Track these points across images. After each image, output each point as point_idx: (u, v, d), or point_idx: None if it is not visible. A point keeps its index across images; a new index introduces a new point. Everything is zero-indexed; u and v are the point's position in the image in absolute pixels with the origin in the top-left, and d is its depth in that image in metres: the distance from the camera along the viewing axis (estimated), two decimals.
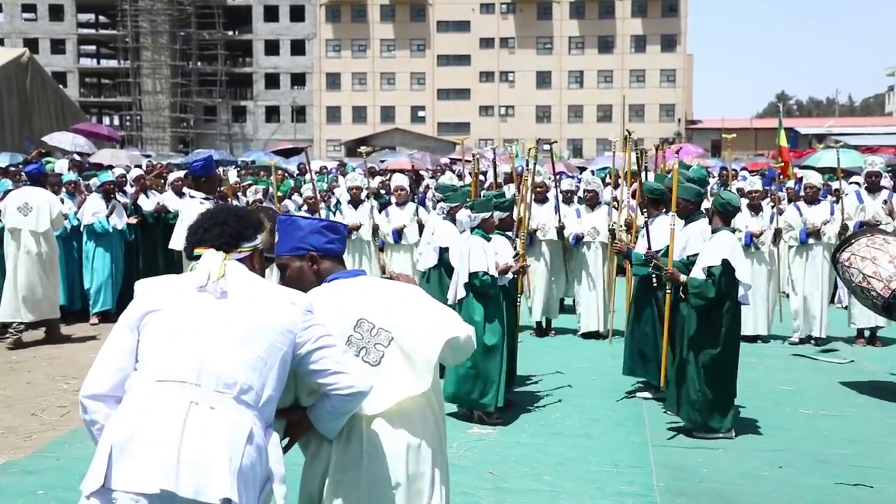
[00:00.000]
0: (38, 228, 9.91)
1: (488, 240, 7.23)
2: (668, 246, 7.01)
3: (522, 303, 10.70)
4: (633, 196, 11.38)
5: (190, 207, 7.89)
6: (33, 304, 9.90)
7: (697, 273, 6.58)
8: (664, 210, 7.89)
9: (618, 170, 11.44)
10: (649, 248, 7.50)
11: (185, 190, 10.20)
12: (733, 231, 6.91)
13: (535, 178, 10.81)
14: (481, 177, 11.40)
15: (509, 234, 7.65)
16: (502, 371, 7.08)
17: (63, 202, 11.10)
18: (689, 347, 6.68)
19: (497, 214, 7.36)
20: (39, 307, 9.96)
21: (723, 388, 6.63)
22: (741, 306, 6.70)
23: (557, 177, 11.39)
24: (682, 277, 6.65)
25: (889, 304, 7.61)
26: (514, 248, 7.56)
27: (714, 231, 6.74)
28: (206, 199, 8.12)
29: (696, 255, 6.81)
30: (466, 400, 7.05)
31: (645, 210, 8.45)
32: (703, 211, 7.61)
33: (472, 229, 7.33)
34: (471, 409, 7.12)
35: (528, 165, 10.27)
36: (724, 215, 6.74)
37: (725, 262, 6.45)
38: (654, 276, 7.12)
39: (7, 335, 10.00)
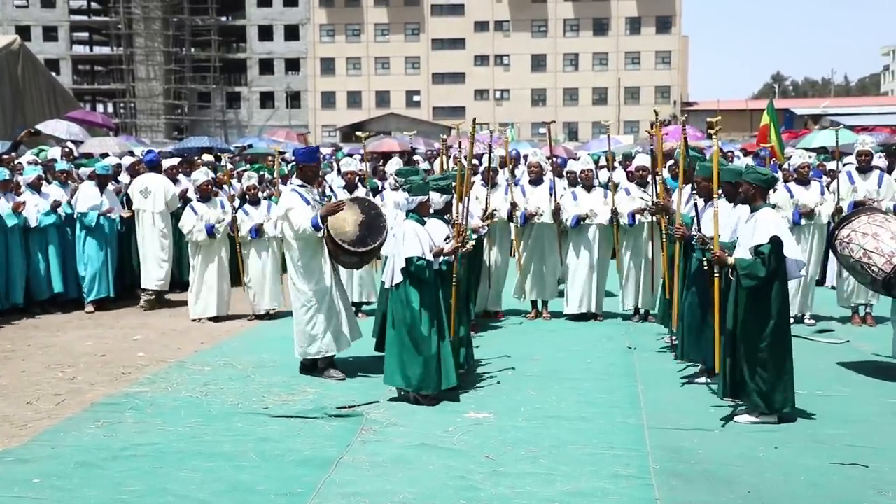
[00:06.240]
0: (155, 209, 11.63)
1: (423, 223, 7.25)
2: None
3: (510, 285, 10.76)
4: (630, 178, 11.37)
5: (285, 192, 8.29)
6: (159, 273, 11.63)
7: (744, 254, 6.53)
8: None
9: (614, 152, 11.42)
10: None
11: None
12: (773, 206, 6.84)
13: (531, 159, 10.86)
14: (475, 161, 11.35)
15: (446, 217, 7.60)
16: (442, 354, 7.12)
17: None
18: (740, 329, 6.63)
19: (437, 197, 7.38)
20: (166, 275, 11.71)
21: (775, 369, 6.54)
22: (787, 284, 6.63)
23: (553, 159, 11.39)
24: (730, 260, 6.60)
25: (890, 279, 7.56)
26: (450, 233, 7.43)
27: (754, 209, 6.62)
28: (301, 185, 8.08)
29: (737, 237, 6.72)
30: (411, 384, 7.12)
31: (698, 194, 8.12)
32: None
33: (408, 213, 7.33)
34: (410, 392, 7.19)
35: (490, 150, 10.22)
36: (762, 190, 6.67)
37: (774, 239, 6.40)
38: (705, 260, 6.95)
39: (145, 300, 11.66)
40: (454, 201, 7.56)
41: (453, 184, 7.60)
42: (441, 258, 7.22)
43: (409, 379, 7.14)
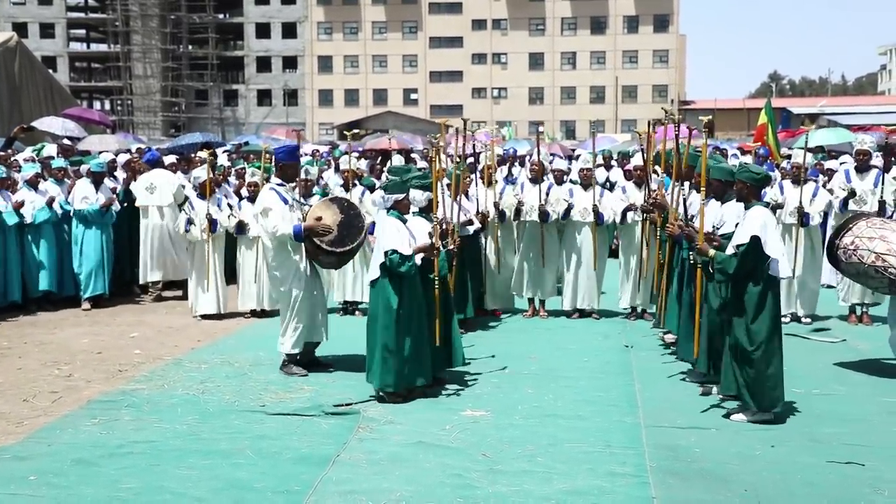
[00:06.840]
0: (162, 203, 11.86)
1: (404, 221, 7.25)
2: (732, 232, 6.89)
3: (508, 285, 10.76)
4: (627, 176, 11.40)
5: (263, 191, 8.19)
6: (164, 266, 11.93)
7: (729, 251, 6.54)
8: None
9: (611, 151, 11.43)
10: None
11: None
12: (766, 205, 6.83)
13: (534, 158, 10.86)
14: (471, 159, 11.36)
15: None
16: (414, 351, 7.11)
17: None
18: (727, 326, 6.65)
19: (419, 195, 7.37)
20: (171, 269, 11.99)
21: (762, 367, 6.52)
22: (777, 283, 6.61)
23: (553, 158, 11.39)
24: (711, 252, 6.62)
25: None
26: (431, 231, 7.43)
27: (747, 207, 6.62)
28: (280, 184, 8.05)
29: (732, 233, 6.74)
30: (377, 381, 7.11)
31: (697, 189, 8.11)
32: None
33: (387, 210, 7.34)
34: (377, 390, 7.19)
35: (475, 148, 10.14)
36: (755, 188, 6.66)
37: (754, 239, 6.39)
38: (691, 255, 6.95)
39: (149, 293, 12.07)
40: (448, 199, 7.54)
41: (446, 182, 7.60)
42: (421, 254, 7.18)
43: (378, 376, 7.11)
